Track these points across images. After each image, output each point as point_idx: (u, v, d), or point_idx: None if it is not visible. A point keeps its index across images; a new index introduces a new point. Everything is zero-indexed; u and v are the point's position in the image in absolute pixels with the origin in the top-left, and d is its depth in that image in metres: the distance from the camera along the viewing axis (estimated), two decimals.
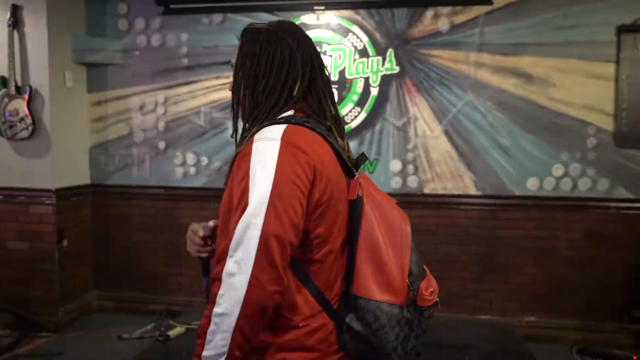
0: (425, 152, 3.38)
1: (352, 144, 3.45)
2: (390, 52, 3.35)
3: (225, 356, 0.91)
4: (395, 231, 1.04)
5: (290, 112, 1.05)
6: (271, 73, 1.04)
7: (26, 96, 3.31)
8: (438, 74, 3.31)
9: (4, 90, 3.32)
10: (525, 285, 3.31)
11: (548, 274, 3.28)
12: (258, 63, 1.05)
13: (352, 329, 1.00)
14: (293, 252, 0.94)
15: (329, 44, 3.40)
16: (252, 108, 1.07)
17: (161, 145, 3.64)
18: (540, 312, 3.30)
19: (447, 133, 3.35)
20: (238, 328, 0.90)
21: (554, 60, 3.19)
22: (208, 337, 0.93)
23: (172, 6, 3.50)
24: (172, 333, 3.16)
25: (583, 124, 3.20)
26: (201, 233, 1.12)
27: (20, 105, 3.31)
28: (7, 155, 3.41)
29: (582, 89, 3.18)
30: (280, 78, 1.04)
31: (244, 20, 3.46)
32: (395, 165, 3.41)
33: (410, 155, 3.40)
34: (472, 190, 3.35)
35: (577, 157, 3.22)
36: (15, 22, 3.29)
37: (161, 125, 3.64)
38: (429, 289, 1.06)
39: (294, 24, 1.15)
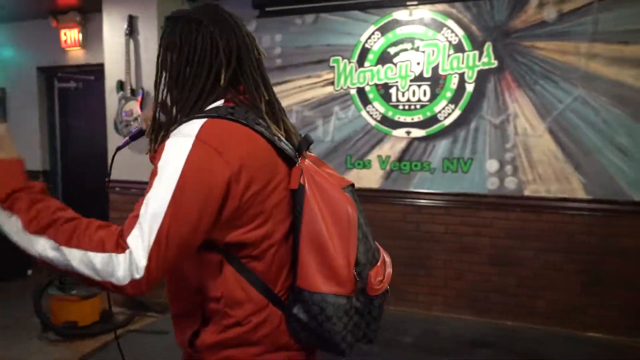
0: (526, 151, 3.15)
1: (445, 143, 3.33)
2: (488, 46, 3.17)
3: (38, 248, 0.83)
4: (341, 219, 0.96)
5: (219, 103, 0.98)
6: (193, 64, 0.97)
7: (139, 98, 3.64)
8: (542, 67, 3.06)
9: (121, 92, 3.68)
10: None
11: None
12: (179, 54, 0.98)
13: (300, 320, 0.97)
14: (172, 265, 0.88)
15: (422, 40, 3.30)
16: (176, 102, 1.00)
17: None
18: None
19: (551, 131, 3.09)
20: (69, 268, 0.83)
21: None
22: (51, 241, 0.83)
23: (267, 9, 3.64)
24: None
25: None
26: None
27: (134, 106, 3.65)
28: (123, 151, 3.77)
29: None
30: (203, 68, 0.97)
31: (336, 19, 3.49)
32: (492, 165, 3.23)
33: (508, 155, 3.19)
34: (581, 194, 3.06)
35: None
36: (131, 31, 3.63)
37: None
38: (378, 277, 1.00)
39: (216, 7, 1.03)
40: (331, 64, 3.55)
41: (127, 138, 1.19)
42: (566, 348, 2.90)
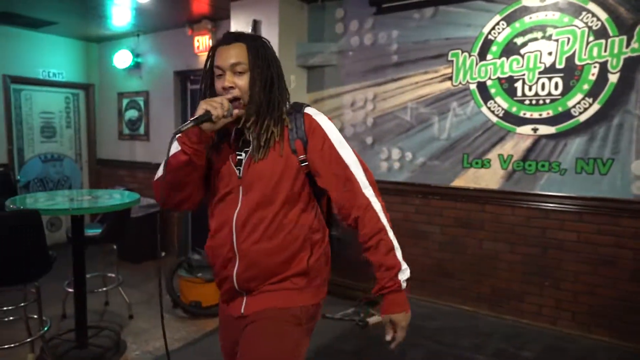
0: None
1: (580, 141, 2.98)
2: (639, 29, 2.76)
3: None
4: None
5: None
6: (282, 76, 1.44)
7: None
8: None
9: None
10: None
11: None
12: (277, 65, 1.43)
13: (333, 237, 1.56)
14: None
15: (556, 27, 3.00)
16: (268, 101, 1.37)
17: (369, 140, 3.80)
18: None
19: None
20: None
21: None
22: (397, 252, 1.35)
23: (384, 5, 3.60)
24: (371, 320, 3.29)
25: None
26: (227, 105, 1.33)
27: None
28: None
29: None
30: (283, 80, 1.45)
31: (457, 11, 3.33)
32: (638, 167, 2.81)
33: None
34: None
35: None
36: (255, 33, 3.85)
37: (369, 120, 3.80)
38: None
39: None
40: (449, 58, 3.40)
41: (189, 122, 1.28)
42: None
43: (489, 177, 3.31)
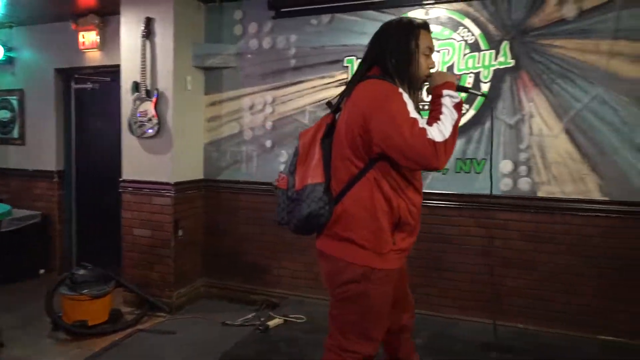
0: (541, 152, 3.10)
1: (459, 143, 3.29)
2: (505, 45, 3.14)
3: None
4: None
5: None
6: None
7: (154, 99, 3.67)
8: (560, 66, 3.02)
9: (137, 93, 3.71)
10: None
11: None
12: None
13: None
14: None
15: (438, 39, 3.29)
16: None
17: (268, 143, 3.80)
18: None
19: (568, 131, 3.04)
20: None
21: None
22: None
23: (283, 9, 3.66)
24: (271, 323, 3.27)
25: None
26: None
27: (149, 106, 3.68)
28: (137, 152, 3.81)
29: None
30: None
31: (351, 19, 3.50)
32: (506, 165, 3.18)
33: (522, 156, 3.14)
34: (596, 195, 2.99)
35: None
36: (148, 33, 3.66)
37: (269, 124, 3.81)
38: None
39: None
40: (345, 64, 3.55)
41: (478, 92, 2.12)
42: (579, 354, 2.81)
43: None
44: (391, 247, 1.65)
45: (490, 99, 3.18)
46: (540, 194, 3.11)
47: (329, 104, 1.84)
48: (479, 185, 3.23)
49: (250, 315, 3.58)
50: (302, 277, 3.75)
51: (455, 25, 3.25)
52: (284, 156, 3.74)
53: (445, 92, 1.62)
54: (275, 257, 3.82)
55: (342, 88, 3.55)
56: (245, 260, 3.93)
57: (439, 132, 1.53)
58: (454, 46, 3.26)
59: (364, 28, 3.47)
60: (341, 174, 1.67)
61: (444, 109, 1.58)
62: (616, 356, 2.83)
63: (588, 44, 2.95)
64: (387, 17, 3.40)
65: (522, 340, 2.99)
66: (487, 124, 3.22)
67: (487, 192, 3.14)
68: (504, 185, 3.18)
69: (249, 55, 3.84)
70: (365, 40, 3.56)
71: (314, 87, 3.65)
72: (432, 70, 1.72)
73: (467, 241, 3.28)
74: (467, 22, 3.22)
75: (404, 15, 1.84)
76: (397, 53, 1.66)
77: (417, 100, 1.72)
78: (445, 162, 1.55)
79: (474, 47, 3.22)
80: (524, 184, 3.14)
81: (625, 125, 2.92)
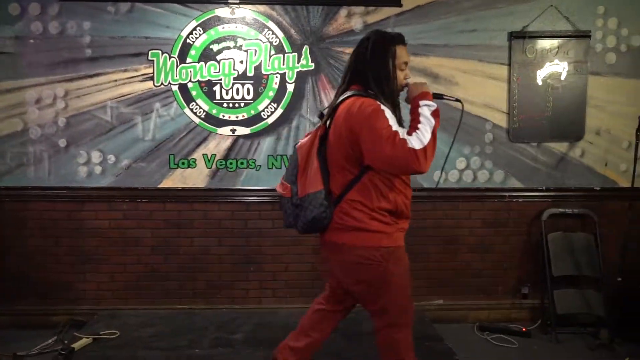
0: None
1: (269, 140, 3.45)
2: (305, 49, 3.39)
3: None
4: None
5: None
6: None
7: None
8: None
9: None
10: (433, 270, 3.53)
11: (453, 260, 3.54)
12: None
13: None
14: None
15: (245, 39, 3.36)
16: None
17: (62, 142, 3.35)
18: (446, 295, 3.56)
19: None
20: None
21: (458, 62, 3.44)
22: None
23: None
24: (77, 345, 2.93)
25: (482, 121, 3.48)
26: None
27: None
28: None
29: (481, 89, 3.46)
30: None
31: (154, 10, 3.30)
32: None
33: None
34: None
35: (477, 151, 3.51)
36: None
37: (61, 120, 3.35)
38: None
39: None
40: (150, 58, 3.35)
41: (452, 97, 2.07)
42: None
43: (196, 176, 3.44)
44: (396, 227, 1.90)
45: (296, 99, 3.41)
46: None
47: (320, 115, 2.06)
48: None
49: (50, 341, 3.14)
50: (109, 288, 3.44)
51: (261, 27, 3.37)
52: (83, 156, 3.35)
53: (422, 102, 1.82)
54: (75, 270, 3.42)
55: (148, 83, 3.40)
56: (39, 278, 3.41)
57: (417, 140, 1.72)
58: (261, 47, 3.38)
59: (169, 21, 3.32)
60: (339, 180, 1.90)
61: (421, 118, 1.78)
62: None
63: None
64: (192, 12, 3.33)
65: None
66: (295, 123, 3.44)
67: None
68: None
69: (32, 41, 3.30)
70: (170, 34, 3.46)
71: (115, 80, 3.35)
72: (407, 81, 1.93)
73: (280, 232, 3.47)
74: (272, 24, 3.37)
75: (379, 29, 2.01)
76: (377, 72, 1.88)
77: (395, 109, 1.92)
78: (428, 165, 1.74)
79: (279, 49, 3.39)
80: None
81: None
